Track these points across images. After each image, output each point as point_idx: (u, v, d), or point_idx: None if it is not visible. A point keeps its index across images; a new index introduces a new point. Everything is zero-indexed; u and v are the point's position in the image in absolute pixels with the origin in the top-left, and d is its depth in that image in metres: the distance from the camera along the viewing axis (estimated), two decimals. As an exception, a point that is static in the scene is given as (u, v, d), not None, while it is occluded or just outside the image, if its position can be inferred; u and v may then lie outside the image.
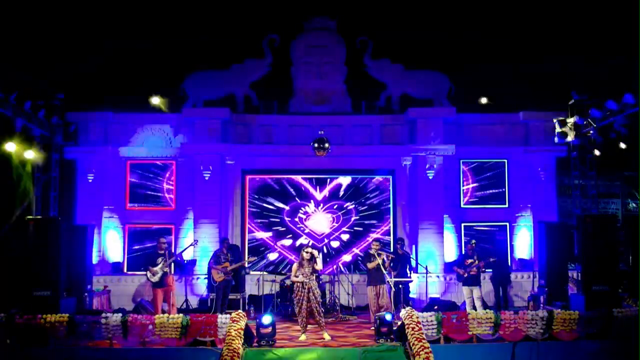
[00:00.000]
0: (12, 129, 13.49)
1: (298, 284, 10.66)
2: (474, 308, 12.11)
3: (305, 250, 10.87)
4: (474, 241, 12.88)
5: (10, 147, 12.34)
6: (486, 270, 12.82)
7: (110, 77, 15.71)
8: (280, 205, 15.75)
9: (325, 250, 15.40)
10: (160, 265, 11.94)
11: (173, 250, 14.13)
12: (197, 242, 13.47)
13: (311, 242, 15.37)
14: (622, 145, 14.50)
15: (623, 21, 11.97)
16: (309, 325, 10.78)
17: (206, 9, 16.82)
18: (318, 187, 15.87)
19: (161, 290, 12.09)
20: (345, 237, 15.71)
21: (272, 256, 15.53)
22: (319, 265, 10.81)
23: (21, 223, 11.83)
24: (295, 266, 10.83)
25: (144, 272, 12.29)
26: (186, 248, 13.28)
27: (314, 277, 10.74)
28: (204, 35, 16.45)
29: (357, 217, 15.78)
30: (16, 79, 13.10)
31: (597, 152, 15.36)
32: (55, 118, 14.86)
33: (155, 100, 15.47)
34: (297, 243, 15.53)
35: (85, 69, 15.80)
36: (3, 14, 14.62)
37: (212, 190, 15.12)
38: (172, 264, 12.24)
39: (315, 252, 10.98)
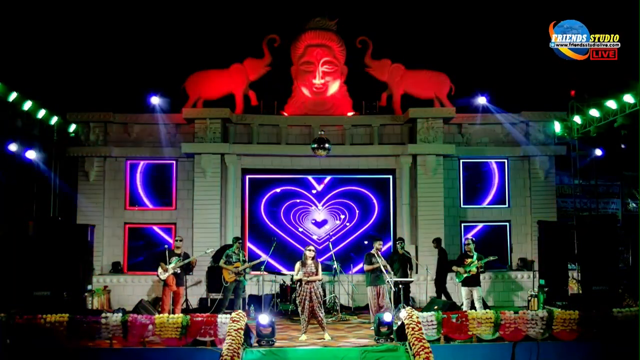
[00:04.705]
0: (13, 128, 13.52)
1: (301, 283, 10.66)
2: (472, 309, 12.06)
3: (308, 248, 10.87)
4: (471, 239, 12.77)
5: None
6: (485, 270, 12.76)
7: (111, 76, 15.72)
8: (281, 205, 15.76)
9: (324, 250, 15.40)
10: (172, 265, 11.91)
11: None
12: (214, 251, 13.43)
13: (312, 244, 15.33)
14: (624, 145, 14.55)
15: (623, 20, 11.99)
16: (309, 325, 10.78)
17: (207, 9, 16.82)
18: (318, 187, 15.88)
19: (170, 290, 12.08)
20: (345, 237, 15.71)
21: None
22: (318, 275, 10.77)
23: (21, 223, 11.82)
24: (297, 265, 10.82)
25: (157, 269, 12.24)
26: (203, 254, 13.19)
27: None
28: (205, 35, 16.45)
29: (357, 217, 15.79)
30: (17, 78, 13.10)
31: (599, 152, 15.39)
32: (56, 118, 14.89)
33: (156, 100, 15.50)
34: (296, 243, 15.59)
35: (86, 69, 15.81)
36: (4, 14, 14.61)
37: (212, 190, 15.12)
38: (184, 266, 12.13)
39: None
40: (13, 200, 14.27)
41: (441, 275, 13.93)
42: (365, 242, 15.40)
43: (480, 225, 15.71)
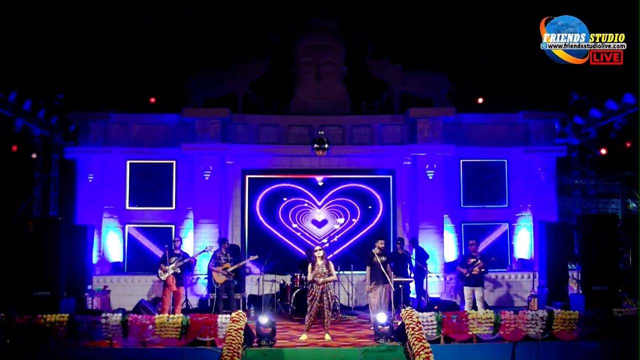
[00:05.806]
0: (12, 128, 13.54)
1: (313, 283, 10.70)
2: (474, 309, 12.08)
3: (316, 249, 10.93)
4: (473, 241, 12.83)
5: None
6: (488, 270, 12.79)
7: (111, 76, 15.72)
8: (280, 205, 15.75)
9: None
10: (172, 265, 11.96)
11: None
12: (212, 249, 13.47)
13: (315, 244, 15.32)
14: (626, 145, 14.53)
15: (622, 21, 11.85)
16: (313, 325, 10.79)
17: (207, 10, 16.82)
18: (318, 188, 15.86)
19: (170, 290, 12.10)
20: (345, 237, 15.69)
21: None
22: (333, 276, 10.81)
23: (21, 223, 11.82)
24: (310, 267, 10.89)
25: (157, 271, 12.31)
26: (201, 252, 13.20)
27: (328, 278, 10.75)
28: (206, 35, 16.46)
29: (357, 217, 15.78)
30: (16, 78, 13.10)
31: (603, 151, 15.36)
32: (56, 118, 14.90)
33: (155, 100, 15.51)
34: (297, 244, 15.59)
35: (86, 69, 15.81)
36: (3, 13, 14.61)
37: (212, 190, 15.11)
38: (184, 266, 12.17)
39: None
40: (13, 200, 14.28)
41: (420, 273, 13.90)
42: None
43: (480, 225, 15.68)
